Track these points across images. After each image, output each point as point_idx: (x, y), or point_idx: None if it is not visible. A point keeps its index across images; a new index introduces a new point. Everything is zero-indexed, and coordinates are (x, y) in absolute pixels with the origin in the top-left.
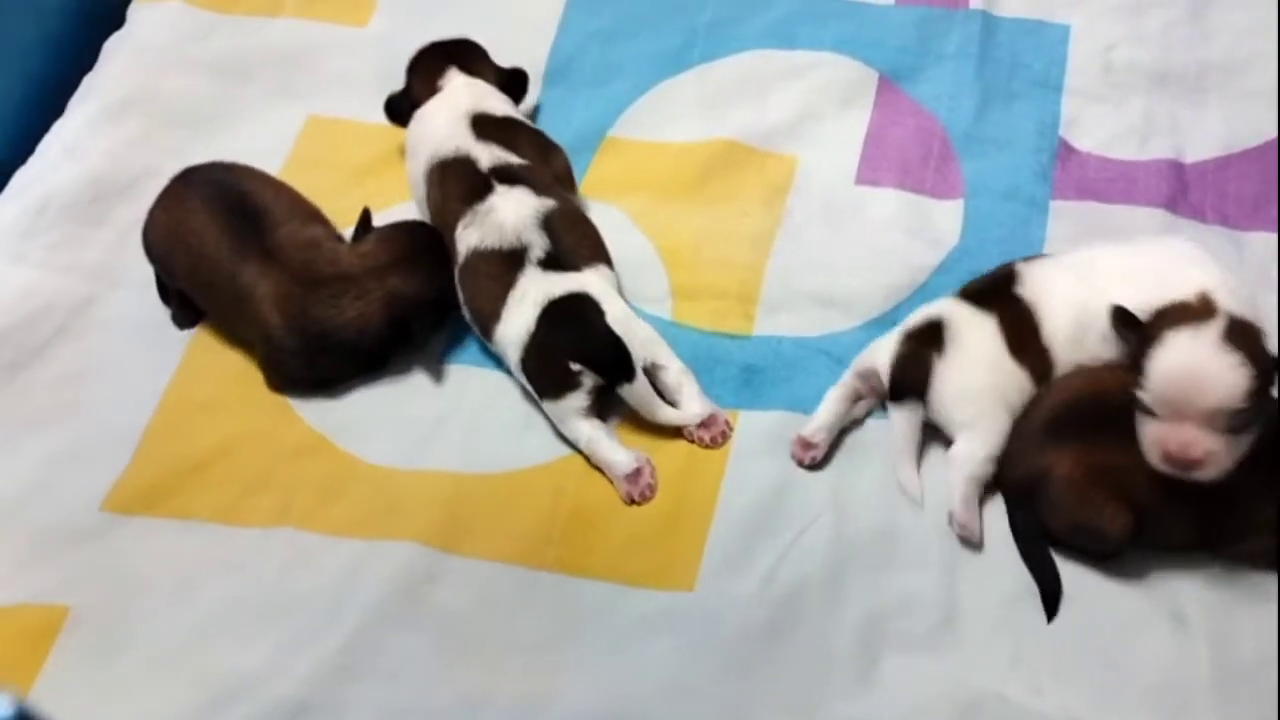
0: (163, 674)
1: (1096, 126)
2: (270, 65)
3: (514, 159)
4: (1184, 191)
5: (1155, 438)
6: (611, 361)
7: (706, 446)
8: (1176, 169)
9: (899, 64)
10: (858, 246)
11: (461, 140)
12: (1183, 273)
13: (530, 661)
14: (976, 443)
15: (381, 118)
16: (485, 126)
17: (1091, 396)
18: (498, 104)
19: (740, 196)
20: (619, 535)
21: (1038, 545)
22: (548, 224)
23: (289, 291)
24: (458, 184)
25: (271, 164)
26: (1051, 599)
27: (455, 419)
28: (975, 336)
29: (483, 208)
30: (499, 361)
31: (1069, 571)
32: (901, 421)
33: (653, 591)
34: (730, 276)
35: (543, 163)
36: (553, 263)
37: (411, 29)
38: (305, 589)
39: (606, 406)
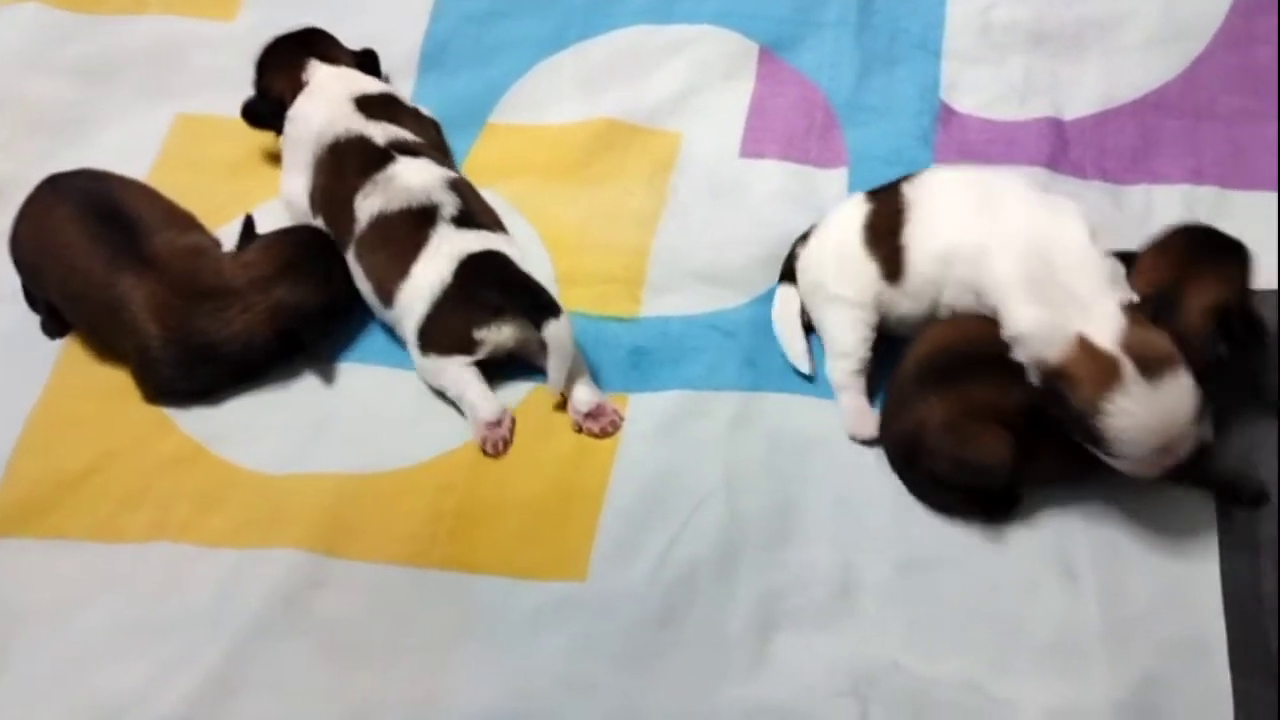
0: (39, 702)
1: (977, 88)
2: (135, 65)
3: (409, 136)
4: (1064, 149)
5: (1143, 469)
6: (535, 300)
7: (597, 436)
8: (1056, 127)
9: (779, 34)
10: (744, 221)
11: (351, 122)
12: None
13: (421, 663)
14: (828, 348)
15: None
16: (370, 107)
17: (960, 343)
18: (370, 84)
19: (623, 176)
20: (508, 528)
21: (933, 494)
22: (455, 187)
23: (168, 302)
24: (355, 160)
25: (140, 166)
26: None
27: (337, 420)
28: (839, 220)
29: (383, 176)
30: (382, 356)
31: (960, 536)
32: (781, 302)
33: (544, 583)
34: (615, 259)
35: (423, 136)
36: (465, 221)
37: (281, 21)
38: (185, 603)
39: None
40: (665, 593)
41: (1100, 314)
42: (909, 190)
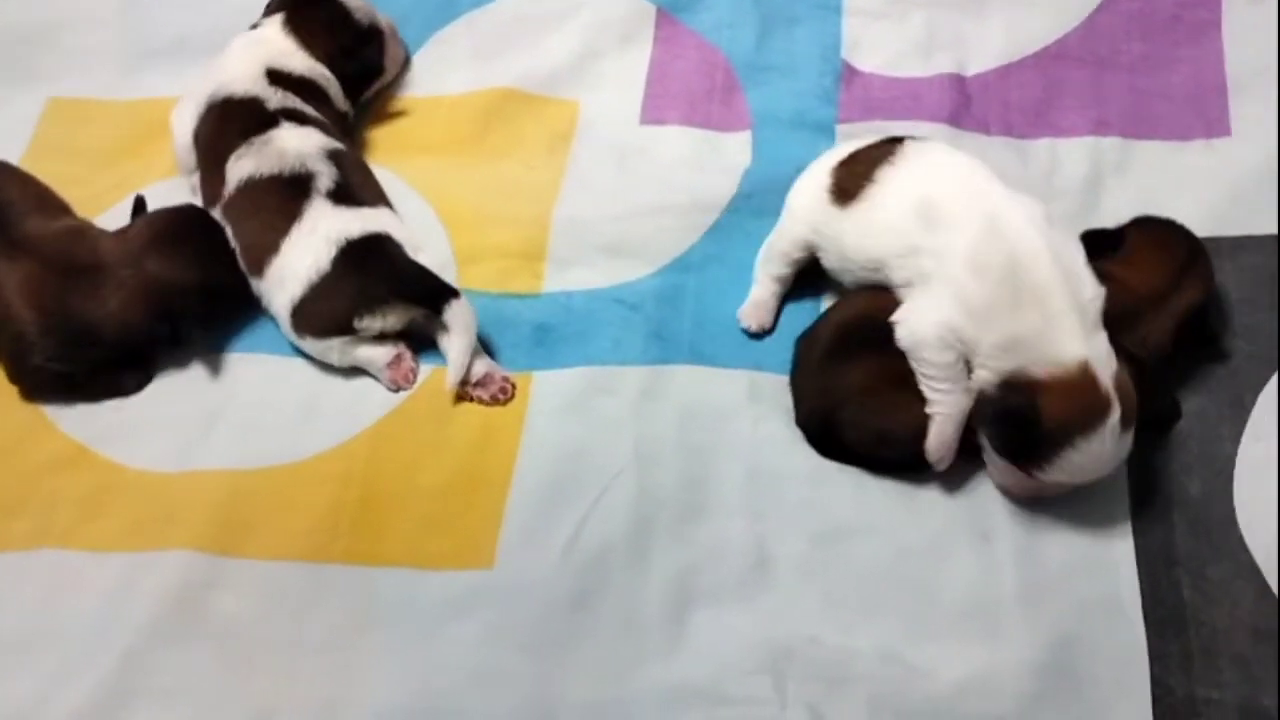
0: None
1: (879, 46)
2: (3, 47)
3: (308, 109)
4: (967, 105)
5: (1032, 489)
6: (429, 287)
7: (488, 404)
8: (959, 82)
9: None
10: (647, 190)
11: (253, 85)
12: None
13: (324, 662)
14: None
15: (131, 94)
16: (282, 81)
17: (879, 313)
18: (301, 64)
19: (521, 148)
20: (412, 517)
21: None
22: (335, 158)
23: (42, 282)
24: (239, 120)
25: (10, 153)
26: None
27: (228, 413)
28: (820, 164)
29: (260, 139)
30: (273, 345)
31: (875, 504)
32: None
33: (451, 573)
34: (515, 234)
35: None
36: (342, 196)
37: None
38: (72, 612)
39: None
40: (577, 576)
41: (1076, 333)
42: (911, 144)
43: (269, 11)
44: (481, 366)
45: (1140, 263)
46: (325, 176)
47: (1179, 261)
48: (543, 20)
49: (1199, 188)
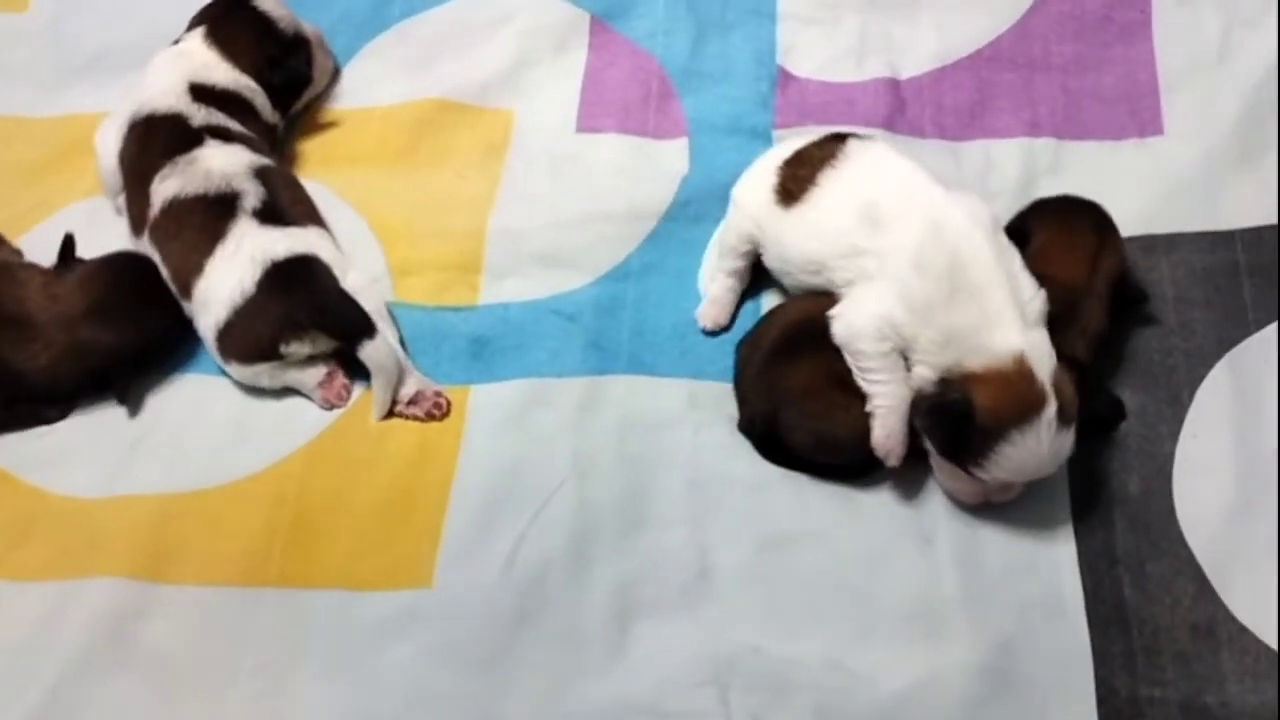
0: None
1: (813, 51)
2: None
3: (233, 124)
4: (901, 108)
5: (976, 491)
6: (348, 322)
7: (423, 421)
8: (893, 86)
9: (609, 2)
10: (583, 199)
11: (176, 101)
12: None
13: (258, 689)
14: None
15: (54, 110)
16: (206, 96)
17: (820, 316)
18: (224, 77)
19: (455, 159)
20: (347, 538)
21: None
22: (262, 176)
23: None
24: (163, 138)
25: None
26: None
27: (155, 436)
28: (786, 144)
29: (185, 158)
30: (201, 364)
31: (816, 510)
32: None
33: (388, 594)
34: (450, 246)
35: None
36: (269, 215)
37: (77, 11)
38: None
39: None
40: (517, 593)
41: (1014, 327)
42: (855, 144)
43: (191, 26)
44: (412, 384)
45: (1057, 256)
46: (252, 195)
47: (1091, 241)
48: (475, 29)
49: (1133, 187)
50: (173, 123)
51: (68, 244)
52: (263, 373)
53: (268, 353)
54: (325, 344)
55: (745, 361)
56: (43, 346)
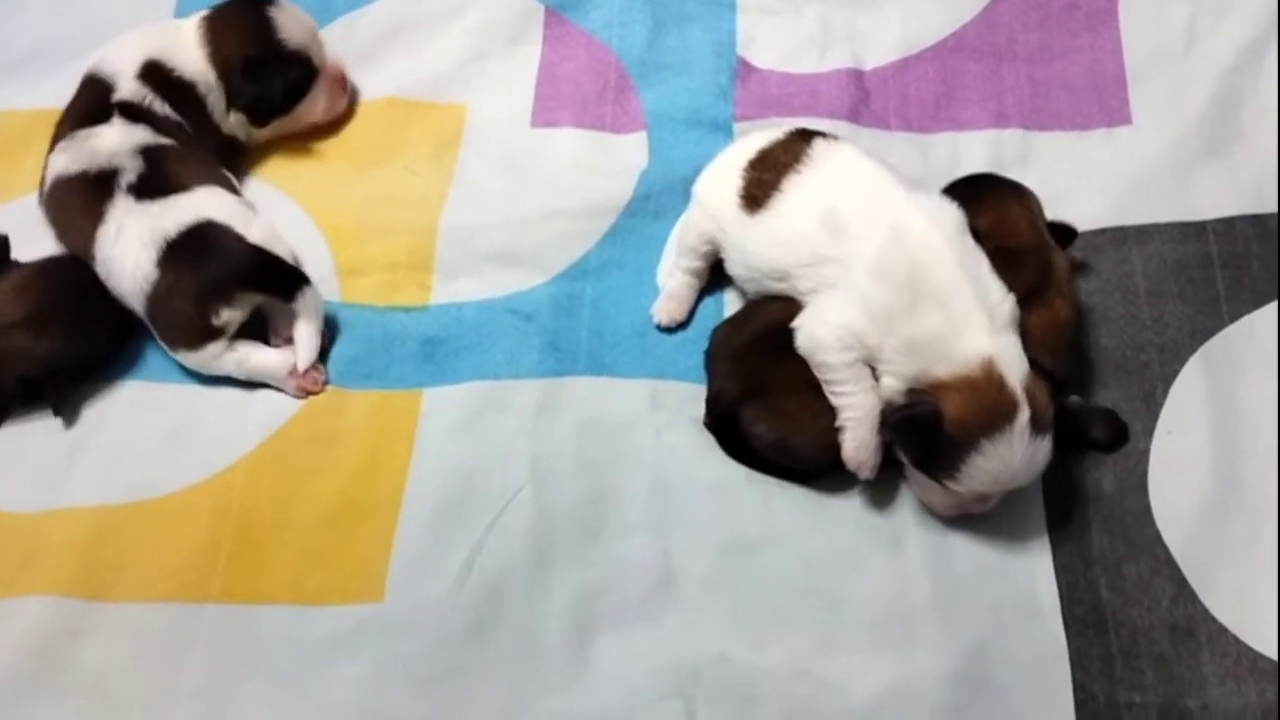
0: None
1: (775, 42)
2: None
3: (167, 111)
4: (865, 100)
5: (952, 504)
6: (276, 273)
7: (298, 396)
8: (856, 77)
9: None
10: (540, 195)
11: (117, 70)
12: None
13: (202, 710)
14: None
15: None
16: (154, 75)
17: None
18: (187, 62)
19: (405, 154)
20: (293, 550)
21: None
22: (150, 154)
23: None
24: (81, 105)
25: None
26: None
27: (92, 446)
28: (750, 138)
29: (83, 133)
30: (140, 371)
31: (781, 513)
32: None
33: (337, 608)
34: (400, 244)
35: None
36: (147, 189)
37: (11, 7)
38: None
39: None
40: (472, 605)
41: (981, 331)
42: (820, 146)
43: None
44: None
45: (1010, 229)
46: (129, 171)
47: (1023, 204)
48: (425, 22)
49: (1101, 177)
50: (97, 91)
51: (1, 246)
52: (220, 356)
53: (204, 330)
54: (254, 300)
55: (724, 340)
56: None
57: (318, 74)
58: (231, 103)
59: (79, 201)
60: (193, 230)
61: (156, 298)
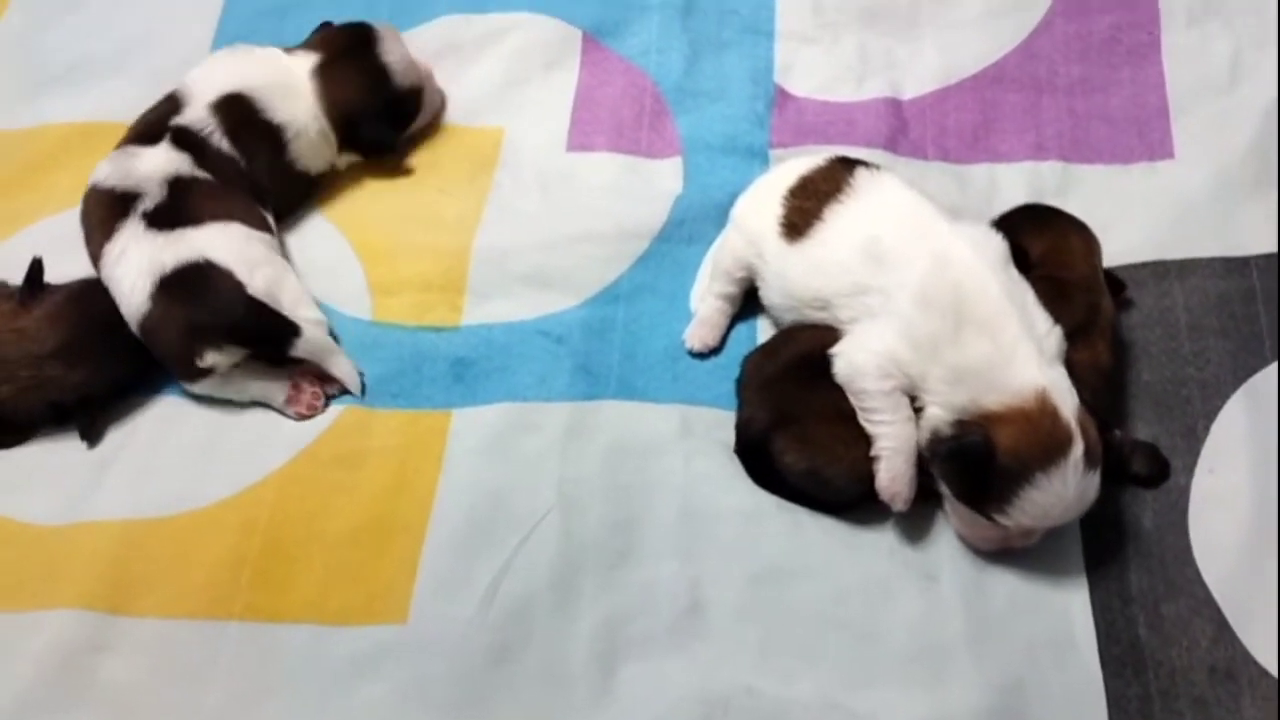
0: None
1: (812, 70)
2: None
3: (219, 143)
4: (903, 129)
5: (995, 538)
6: (261, 329)
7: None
8: (894, 106)
9: (602, 19)
10: (573, 218)
11: (198, 92)
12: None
13: None
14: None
15: (25, 121)
16: (232, 109)
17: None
18: (289, 110)
19: (440, 175)
20: (319, 569)
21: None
22: (178, 185)
23: None
24: (148, 117)
25: None
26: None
27: (121, 460)
28: (791, 163)
29: (132, 149)
30: (169, 386)
31: (813, 543)
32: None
33: (361, 629)
34: (433, 265)
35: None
36: (160, 219)
37: (53, 20)
38: None
39: None
40: (497, 629)
41: (1032, 362)
42: (862, 175)
43: (310, 45)
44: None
45: (1063, 259)
46: (149, 199)
47: (1080, 238)
48: (465, 47)
49: (1143, 211)
50: (166, 110)
51: (35, 270)
52: (218, 388)
53: (194, 371)
54: (245, 351)
55: (756, 367)
56: (4, 379)
57: (423, 93)
58: (344, 147)
59: (100, 214)
60: (189, 268)
61: (147, 328)
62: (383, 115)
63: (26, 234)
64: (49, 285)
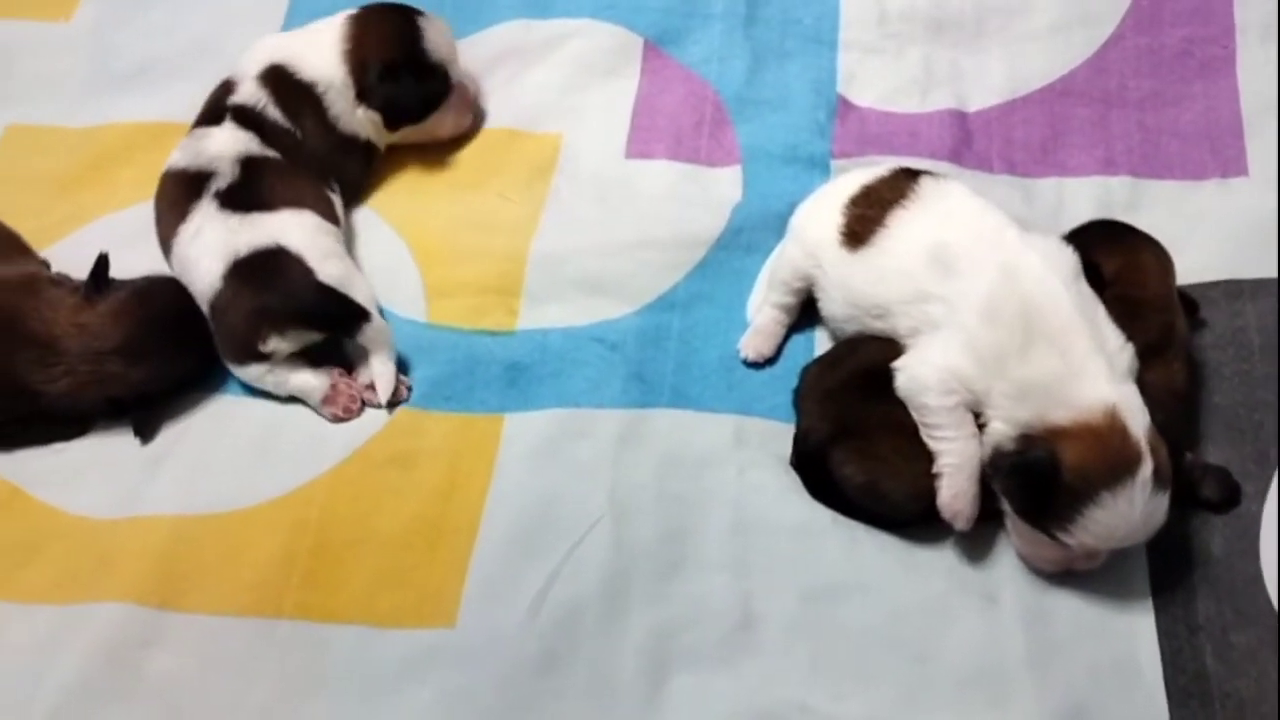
0: None
1: (875, 80)
2: None
3: (274, 115)
4: (968, 141)
5: (1058, 559)
6: (330, 313)
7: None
8: (959, 118)
9: (664, 27)
10: (630, 225)
11: (245, 69)
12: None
13: None
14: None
15: (90, 119)
16: (273, 80)
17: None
18: (314, 64)
19: (499, 181)
20: (368, 570)
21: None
22: (250, 165)
23: None
24: (210, 101)
25: None
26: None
27: (174, 456)
28: (853, 174)
29: (200, 131)
30: (224, 382)
31: (869, 560)
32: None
33: (409, 631)
34: (489, 268)
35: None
36: (234, 200)
37: (122, 19)
38: None
39: None
40: (545, 636)
41: (1103, 377)
42: (928, 184)
43: None
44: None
45: (1138, 278)
46: (223, 178)
47: (1156, 257)
48: (526, 52)
49: (1214, 229)
50: (222, 93)
51: (101, 265)
52: (262, 376)
53: (250, 352)
54: (309, 338)
55: (816, 378)
56: (65, 372)
57: (452, 89)
58: (361, 100)
59: (173, 195)
60: (262, 254)
61: (216, 307)
62: (402, 72)
63: (90, 230)
64: (113, 281)
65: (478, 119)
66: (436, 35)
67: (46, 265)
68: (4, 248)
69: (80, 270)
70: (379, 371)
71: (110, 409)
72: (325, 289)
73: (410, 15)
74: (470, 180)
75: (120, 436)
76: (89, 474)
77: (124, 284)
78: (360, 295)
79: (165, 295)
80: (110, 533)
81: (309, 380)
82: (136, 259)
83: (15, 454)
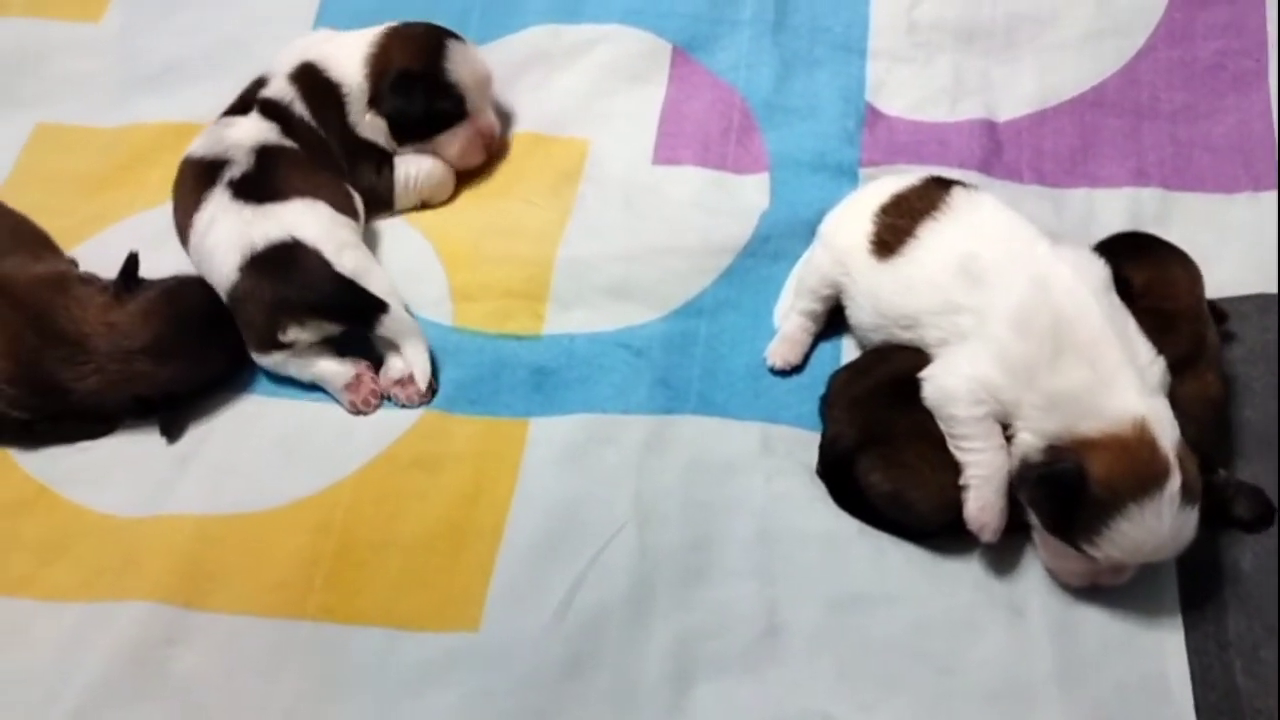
0: None
1: (904, 89)
2: None
3: (301, 110)
4: (997, 151)
5: (1085, 572)
6: (348, 304)
7: (402, 406)
8: (989, 128)
9: (692, 33)
10: (657, 231)
11: (278, 66)
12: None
13: None
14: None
15: (118, 120)
16: (301, 77)
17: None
18: (341, 67)
19: (526, 186)
20: (392, 572)
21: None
22: (266, 154)
23: (17, 331)
24: (241, 94)
25: None
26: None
27: (201, 456)
28: (883, 181)
29: (225, 120)
30: (251, 384)
31: (895, 571)
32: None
33: (432, 635)
34: (516, 272)
35: (338, 153)
36: (247, 189)
37: (152, 20)
38: (18, 666)
39: None
40: (569, 641)
41: (1132, 389)
42: (959, 194)
43: None
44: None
45: (1167, 290)
46: (237, 166)
47: (1184, 270)
48: (554, 58)
49: (1246, 242)
50: (254, 87)
51: (131, 264)
52: (284, 363)
53: (272, 344)
54: (328, 329)
55: (844, 385)
56: (94, 370)
57: (465, 117)
58: (372, 105)
59: (190, 183)
60: (278, 247)
61: (234, 298)
62: (417, 84)
63: (117, 230)
64: (143, 280)
65: (492, 153)
66: (462, 60)
67: (74, 264)
68: (33, 246)
69: (107, 270)
70: (412, 359)
71: (138, 408)
72: (342, 280)
73: (441, 35)
74: (497, 185)
75: (147, 435)
76: (116, 473)
77: (153, 283)
78: (377, 286)
79: (194, 295)
80: (136, 531)
81: (332, 366)
82: (164, 259)
83: (43, 452)
